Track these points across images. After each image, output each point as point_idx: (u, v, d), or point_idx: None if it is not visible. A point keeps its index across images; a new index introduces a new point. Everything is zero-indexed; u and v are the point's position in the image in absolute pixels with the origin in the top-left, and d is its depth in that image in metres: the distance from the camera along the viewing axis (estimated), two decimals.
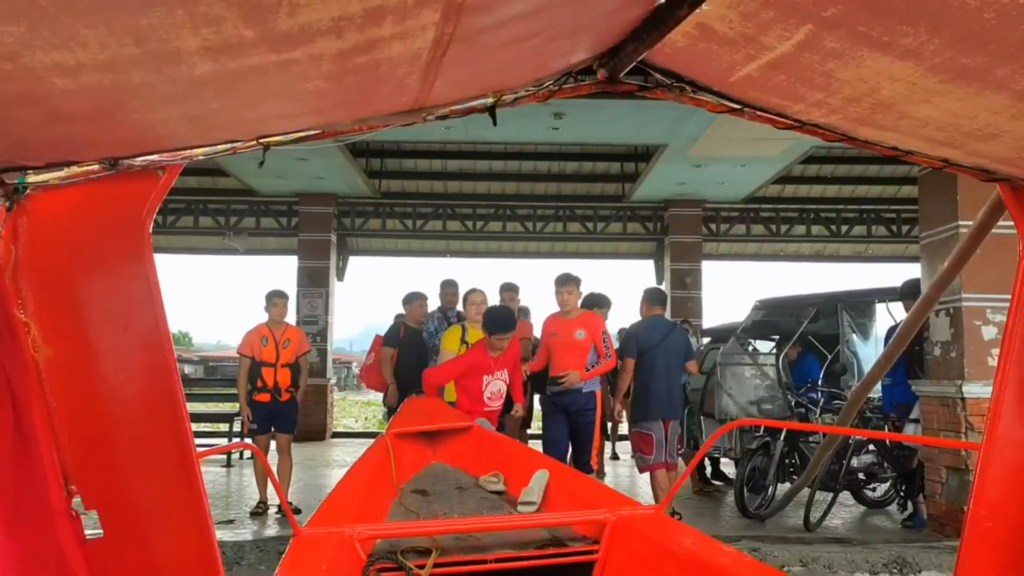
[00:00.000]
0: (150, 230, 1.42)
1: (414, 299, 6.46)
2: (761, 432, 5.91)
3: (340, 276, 12.25)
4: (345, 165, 9.87)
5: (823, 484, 5.51)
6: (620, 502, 2.67)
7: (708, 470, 7.57)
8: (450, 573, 2.25)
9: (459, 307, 6.23)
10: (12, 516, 1.34)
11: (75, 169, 1.33)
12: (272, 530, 5.28)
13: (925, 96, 1.21)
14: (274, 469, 5.41)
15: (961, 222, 4.99)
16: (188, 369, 30.28)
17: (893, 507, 6.19)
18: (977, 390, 4.88)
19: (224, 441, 9.43)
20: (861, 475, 5.94)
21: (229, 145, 1.36)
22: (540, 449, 5.10)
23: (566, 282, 5.21)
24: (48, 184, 1.34)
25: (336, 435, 11.74)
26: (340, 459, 8.92)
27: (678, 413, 5.74)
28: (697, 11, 1.05)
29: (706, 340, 8.49)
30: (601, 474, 7.75)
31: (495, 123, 1.49)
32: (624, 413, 5.95)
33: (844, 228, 12.46)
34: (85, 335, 1.44)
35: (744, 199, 11.63)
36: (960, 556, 1.64)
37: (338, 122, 1.38)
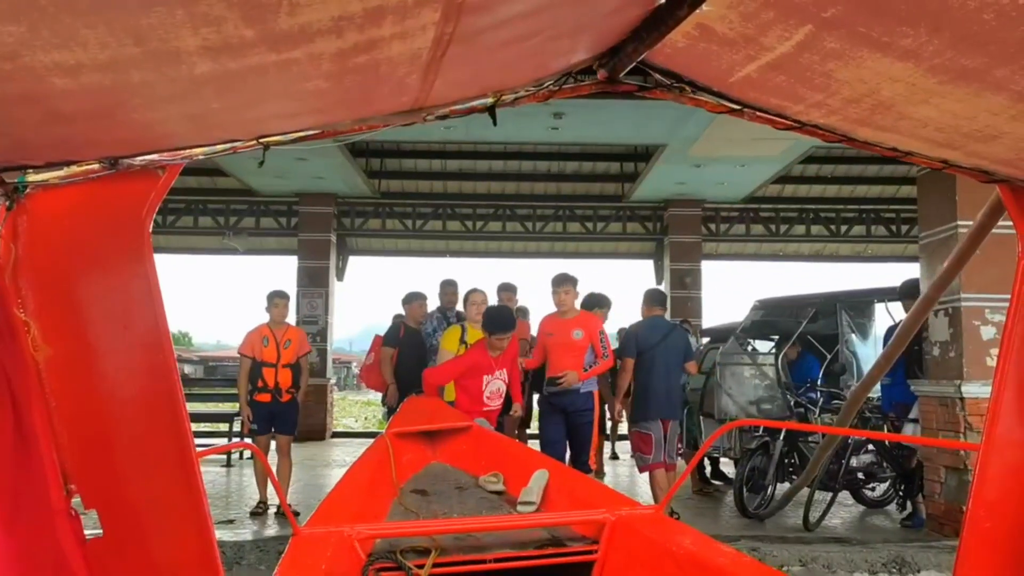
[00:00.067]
0: (150, 229, 1.42)
1: (414, 299, 6.46)
2: (760, 432, 5.91)
3: (340, 276, 12.25)
4: (345, 165, 9.87)
5: (822, 484, 5.51)
6: (619, 502, 2.67)
7: (708, 470, 7.58)
8: (449, 573, 2.25)
9: (459, 307, 6.23)
10: (12, 515, 1.34)
11: (75, 168, 1.33)
12: (272, 530, 5.28)
13: (925, 97, 1.21)
14: (274, 470, 5.42)
15: (960, 222, 5.00)
16: (188, 369, 30.27)
17: (892, 507, 6.19)
18: (976, 390, 4.88)
19: (224, 441, 9.43)
20: (860, 475, 5.95)
21: (229, 145, 1.36)
22: (538, 449, 5.10)
23: (563, 282, 5.21)
24: (48, 183, 1.34)
25: (336, 435, 11.74)
26: (340, 459, 8.92)
27: (677, 413, 5.74)
28: (697, 11, 1.06)
29: (705, 340, 8.49)
30: (600, 474, 7.75)
31: (495, 123, 1.49)
32: (624, 413, 5.95)
33: (843, 228, 12.47)
34: (85, 334, 1.44)
35: (744, 199, 11.63)
36: (959, 556, 1.64)
37: (338, 122, 1.38)
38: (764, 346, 7.26)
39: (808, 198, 12.18)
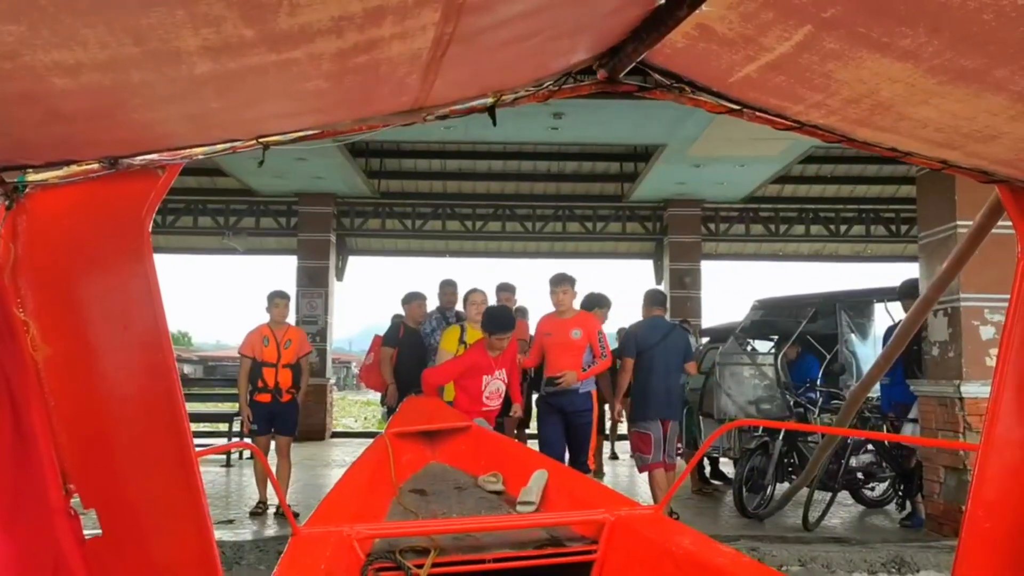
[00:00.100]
0: (149, 229, 1.42)
1: (413, 299, 6.46)
2: (760, 432, 5.92)
3: (339, 276, 12.25)
4: (344, 165, 9.86)
5: (822, 484, 5.51)
6: (619, 502, 2.67)
7: (707, 470, 7.58)
8: (448, 573, 2.25)
9: (458, 307, 6.23)
10: (10, 515, 1.34)
11: (75, 168, 1.33)
12: (271, 530, 5.28)
13: (924, 97, 1.21)
14: (273, 470, 5.41)
15: (959, 222, 5.00)
16: (187, 369, 30.24)
17: (891, 507, 6.20)
18: (975, 390, 4.88)
19: (224, 441, 9.43)
20: (860, 475, 5.95)
21: (229, 144, 1.36)
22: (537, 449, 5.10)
23: (560, 282, 5.21)
24: (48, 183, 1.34)
25: (335, 435, 11.74)
26: (339, 459, 8.92)
27: (677, 413, 5.74)
28: (697, 12, 1.06)
29: (705, 340, 8.50)
30: (600, 474, 7.75)
31: (495, 123, 1.49)
32: (624, 413, 5.95)
33: (843, 228, 12.47)
34: (84, 334, 1.44)
35: (743, 199, 11.64)
36: (958, 556, 1.64)
37: (338, 122, 1.38)
38: (763, 346, 7.26)
39: (807, 198, 12.18)
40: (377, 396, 8.74)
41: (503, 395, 4.90)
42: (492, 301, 5.86)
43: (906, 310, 4.75)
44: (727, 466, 7.57)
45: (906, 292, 5.55)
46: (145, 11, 0.81)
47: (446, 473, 3.73)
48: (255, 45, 0.93)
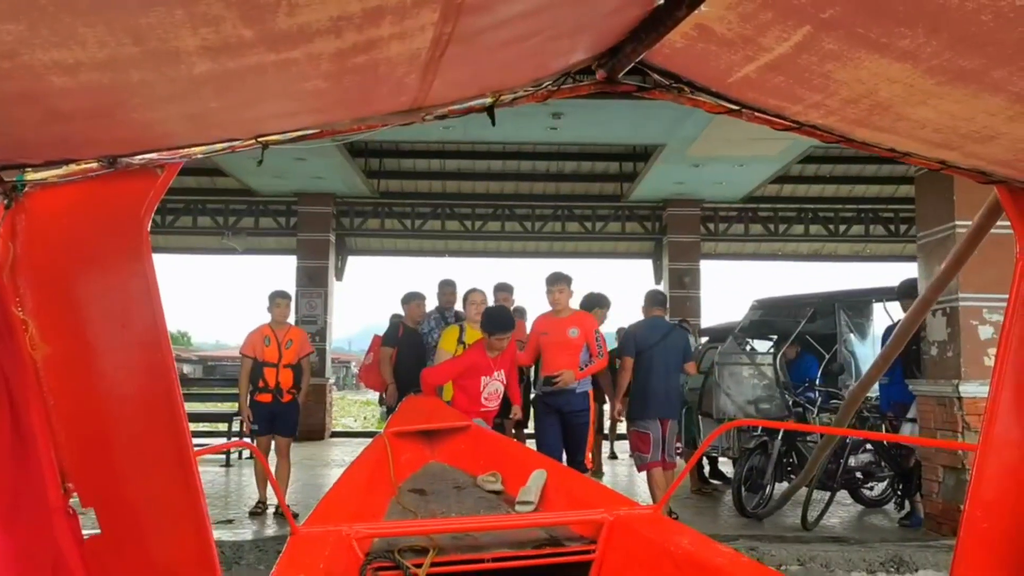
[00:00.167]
0: (148, 228, 1.42)
1: (412, 299, 6.46)
2: (759, 431, 5.92)
3: (339, 276, 12.25)
4: (344, 165, 9.86)
5: (821, 483, 5.52)
6: (618, 502, 2.67)
7: (706, 469, 7.58)
8: (447, 572, 2.25)
9: (457, 307, 6.23)
10: (10, 514, 1.34)
11: (74, 167, 1.33)
12: (271, 530, 5.28)
13: (923, 98, 1.21)
14: (273, 470, 5.41)
15: (958, 222, 5.01)
16: (187, 369, 30.22)
17: (890, 506, 6.20)
18: (974, 389, 4.89)
19: (223, 441, 9.43)
20: (858, 474, 5.95)
21: (228, 144, 1.36)
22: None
23: (557, 281, 5.21)
24: (47, 182, 1.34)
25: (335, 435, 11.74)
26: (339, 459, 8.91)
27: (676, 413, 5.75)
28: (696, 12, 1.06)
29: (704, 340, 8.50)
30: (599, 473, 7.76)
31: (494, 123, 1.49)
32: (623, 412, 5.95)
33: (842, 227, 12.48)
34: (83, 333, 1.44)
35: (742, 199, 11.64)
36: (956, 555, 1.65)
37: (337, 121, 1.39)
38: (762, 346, 7.26)
39: (806, 198, 12.19)
40: (376, 396, 8.74)
41: (501, 396, 4.90)
42: (490, 301, 5.87)
43: (905, 310, 4.75)
44: (726, 465, 7.57)
45: (905, 292, 5.55)
46: (144, 11, 0.81)
47: (445, 473, 3.73)
48: (254, 45, 0.93)
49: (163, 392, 1.45)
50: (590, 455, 5.47)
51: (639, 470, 5.64)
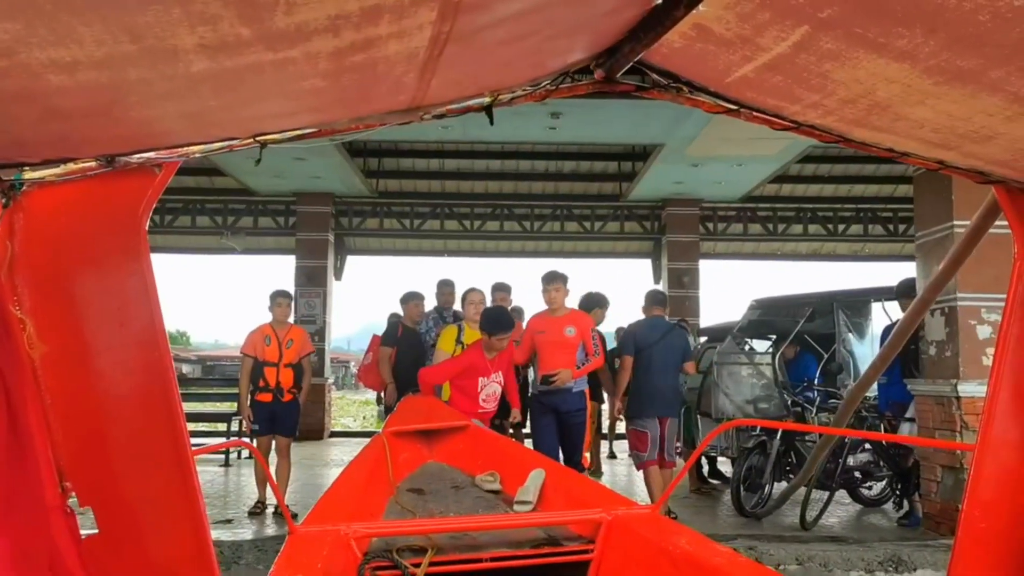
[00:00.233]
0: (146, 227, 1.42)
1: (411, 299, 6.46)
2: (758, 431, 5.92)
3: (338, 275, 12.24)
4: (342, 164, 9.86)
5: (819, 483, 5.52)
6: (616, 502, 2.67)
7: (705, 469, 7.59)
8: (446, 572, 2.25)
9: (456, 307, 6.23)
10: (7, 513, 1.34)
11: (72, 166, 1.32)
12: (270, 530, 5.28)
13: (921, 98, 1.21)
14: (272, 470, 5.41)
15: (956, 222, 5.01)
16: (186, 368, 30.16)
17: (889, 505, 6.21)
18: (972, 389, 4.89)
19: (223, 441, 9.42)
20: (857, 474, 5.96)
21: (226, 143, 1.36)
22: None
23: (553, 279, 5.21)
24: (45, 181, 1.34)
25: (334, 434, 11.74)
26: (338, 458, 8.91)
27: (676, 411, 5.75)
28: (694, 12, 1.06)
29: (703, 339, 8.50)
30: (598, 473, 7.76)
31: (492, 122, 1.49)
32: (622, 411, 5.96)
33: (841, 227, 12.48)
34: (81, 332, 1.44)
35: (741, 198, 11.65)
36: (954, 555, 1.65)
37: (335, 120, 1.38)
38: (761, 345, 7.27)
39: (805, 197, 12.20)
40: (375, 395, 8.73)
41: (499, 398, 4.90)
42: (488, 301, 5.87)
43: (903, 309, 4.77)
44: (725, 465, 7.58)
45: (903, 291, 5.56)
46: (141, 9, 0.81)
47: (443, 472, 3.73)
48: (252, 44, 0.93)
49: (161, 391, 1.45)
50: (587, 454, 5.47)
51: (637, 468, 5.65)
